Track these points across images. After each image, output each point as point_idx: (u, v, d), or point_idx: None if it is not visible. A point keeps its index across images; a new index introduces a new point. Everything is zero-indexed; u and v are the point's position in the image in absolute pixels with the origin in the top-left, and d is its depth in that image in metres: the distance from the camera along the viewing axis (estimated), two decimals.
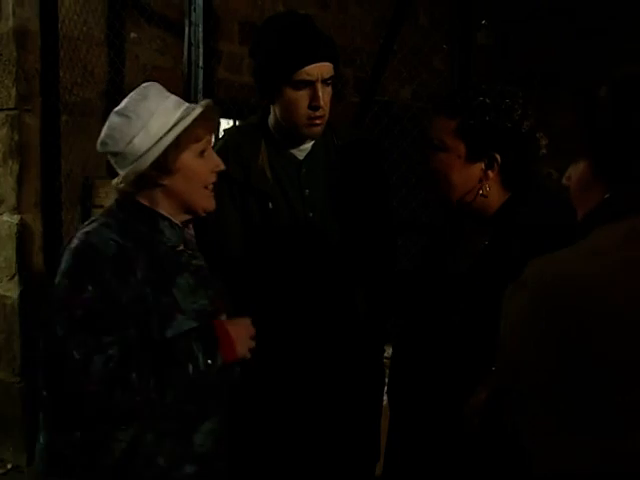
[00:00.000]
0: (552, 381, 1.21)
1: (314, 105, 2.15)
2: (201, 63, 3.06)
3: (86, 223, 1.81)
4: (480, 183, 1.89)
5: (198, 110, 1.79)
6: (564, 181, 1.43)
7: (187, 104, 1.83)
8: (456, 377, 1.86)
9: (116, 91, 3.88)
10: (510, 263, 1.78)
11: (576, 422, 1.19)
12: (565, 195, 1.44)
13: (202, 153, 1.81)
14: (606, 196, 1.31)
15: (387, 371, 2.13)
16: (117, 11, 3.99)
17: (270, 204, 2.22)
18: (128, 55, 4.05)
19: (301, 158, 2.28)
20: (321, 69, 2.14)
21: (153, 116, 1.75)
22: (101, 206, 3.78)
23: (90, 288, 1.64)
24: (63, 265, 1.70)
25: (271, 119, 2.28)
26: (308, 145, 2.28)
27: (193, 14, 3.07)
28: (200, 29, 3.06)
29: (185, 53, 3.10)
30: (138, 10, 4.06)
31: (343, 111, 2.30)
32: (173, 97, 1.82)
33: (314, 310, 2.24)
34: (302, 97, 2.14)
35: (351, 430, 2.32)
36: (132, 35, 4.08)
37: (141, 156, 1.74)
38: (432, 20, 5.28)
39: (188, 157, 1.78)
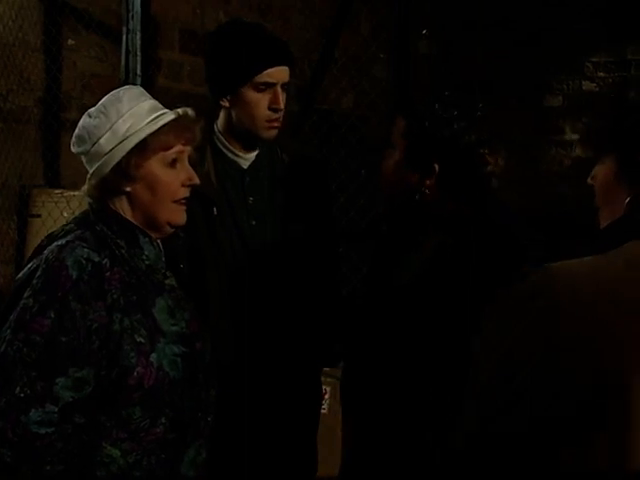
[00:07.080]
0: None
1: (274, 107, 2.18)
2: (139, 71, 3.03)
3: (58, 232, 1.70)
4: (417, 187, 1.90)
5: (170, 116, 1.70)
6: (589, 180, 1.45)
7: (164, 110, 1.73)
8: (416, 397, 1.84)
9: (53, 99, 3.80)
10: (462, 275, 1.79)
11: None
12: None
13: (173, 163, 1.70)
14: (627, 199, 1.33)
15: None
16: (54, 17, 3.92)
17: (214, 210, 2.22)
18: (65, 62, 3.97)
19: (245, 167, 2.30)
20: (282, 73, 2.19)
21: (122, 117, 1.66)
22: (38, 215, 3.70)
23: (52, 315, 1.55)
24: (34, 281, 1.59)
25: (221, 124, 2.28)
26: (252, 155, 2.30)
27: (131, 21, 3.05)
28: (138, 37, 3.04)
29: (123, 61, 3.07)
30: (75, 16, 3.99)
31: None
32: (150, 101, 1.73)
33: (252, 318, 2.24)
34: (263, 99, 2.18)
35: (287, 439, 2.33)
36: (69, 42, 4.01)
37: (104, 158, 1.66)
38: (372, 29, 5.31)
39: (154, 165, 1.68)
